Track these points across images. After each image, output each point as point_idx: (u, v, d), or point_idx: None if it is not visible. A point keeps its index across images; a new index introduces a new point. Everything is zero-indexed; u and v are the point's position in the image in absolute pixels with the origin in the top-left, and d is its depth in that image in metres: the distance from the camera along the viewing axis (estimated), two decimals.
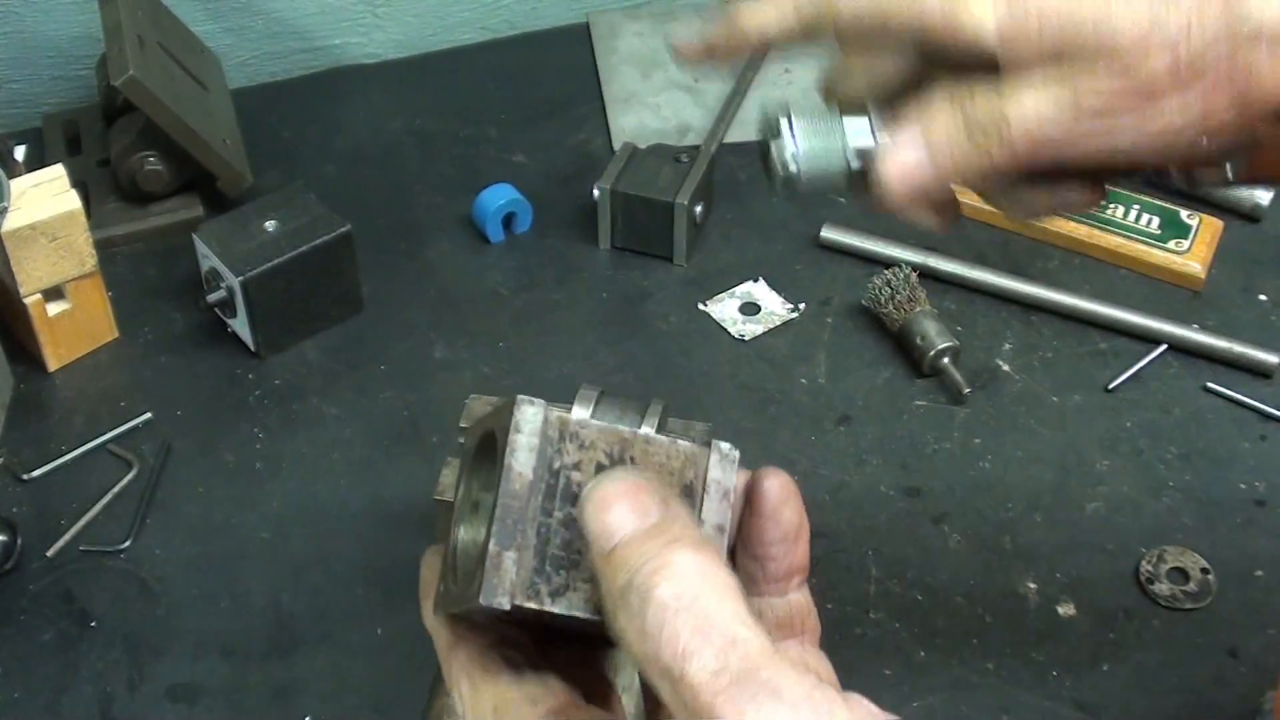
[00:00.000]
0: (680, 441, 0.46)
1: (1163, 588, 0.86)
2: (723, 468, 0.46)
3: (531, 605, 0.43)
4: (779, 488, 0.47)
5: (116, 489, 0.94)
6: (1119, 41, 0.50)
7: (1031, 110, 0.52)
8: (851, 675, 0.83)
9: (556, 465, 0.44)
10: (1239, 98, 0.50)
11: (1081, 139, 0.52)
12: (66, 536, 0.91)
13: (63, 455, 0.96)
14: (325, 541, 0.91)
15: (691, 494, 0.46)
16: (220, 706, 0.82)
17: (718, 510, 0.46)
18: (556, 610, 0.43)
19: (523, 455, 0.44)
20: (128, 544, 0.90)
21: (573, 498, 0.44)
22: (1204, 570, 0.87)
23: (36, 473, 0.95)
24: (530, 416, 0.45)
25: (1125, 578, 0.87)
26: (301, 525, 0.92)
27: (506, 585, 0.43)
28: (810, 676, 0.40)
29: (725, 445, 0.47)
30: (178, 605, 0.87)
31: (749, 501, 0.48)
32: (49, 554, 0.90)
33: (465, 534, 0.48)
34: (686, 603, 0.39)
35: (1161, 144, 0.51)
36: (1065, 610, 0.86)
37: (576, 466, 0.45)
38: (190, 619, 0.87)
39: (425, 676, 0.81)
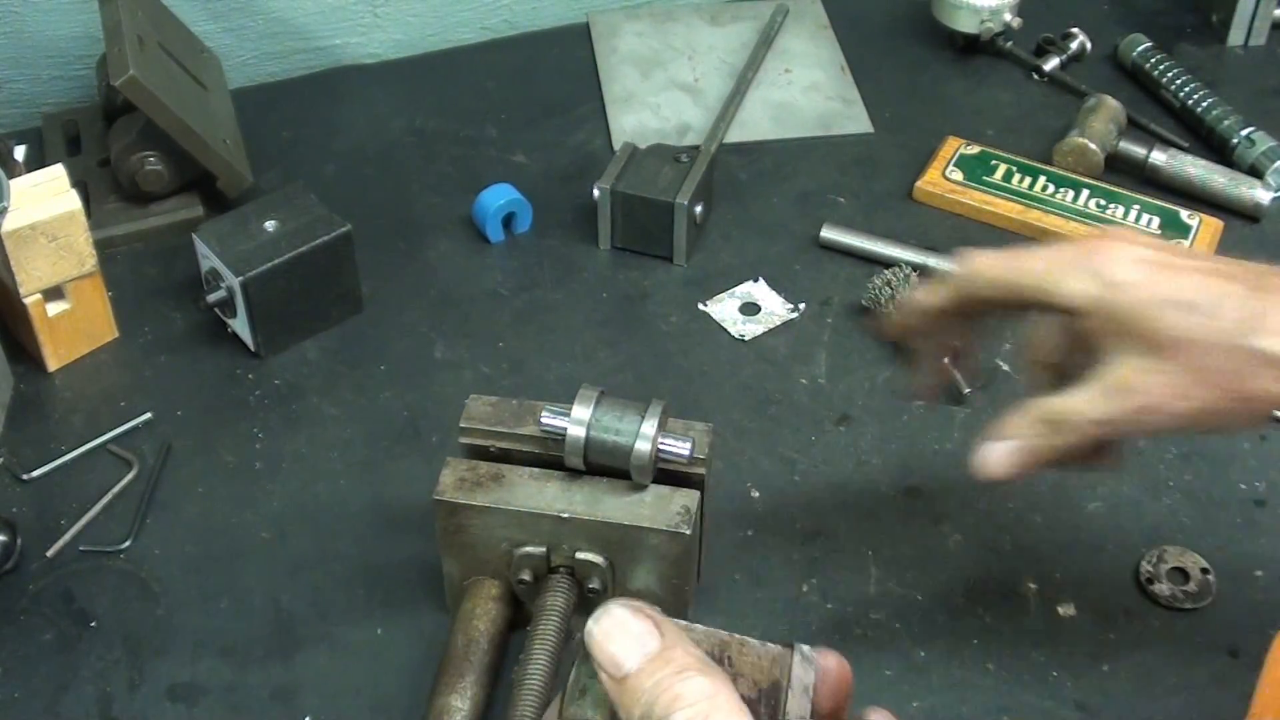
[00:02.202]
0: (769, 645, 0.53)
1: (1163, 588, 0.86)
2: (804, 666, 0.53)
3: None
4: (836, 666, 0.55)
5: (116, 489, 0.94)
6: (1165, 336, 0.65)
7: (1087, 405, 0.68)
8: (852, 675, 0.84)
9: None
10: (1249, 401, 0.66)
11: (1130, 421, 0.67)
12: (66, 536, 0.91)
13: (63, 455, 0.96)
14: (325, 541, 0.91)
15: (778, 690, 0.52)
16: (220, 706, 0.82)
17: (799, 704, 0.52)
18: None
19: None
20: (128, 544, 0.91)
21: None
22: (1204, 570, 0.87)
23: (36, 473, 0.95)
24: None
25: (1125, 578, 0.87)
26: (301, 525, 0.92)
27: None
28: None
29: (806, 648, 0.54)
30: (178, 605, 0.87)
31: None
32: (49, 554, 0.90)
33: (573, 711, 0.53)
34: None
35: (1188, 422, 0.66)
36: (1065, 610, 0.86)
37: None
38: (190, 619, 0.87)
39: (425, 676, 0.81)
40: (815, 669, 0.53)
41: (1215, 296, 0.65)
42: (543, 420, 0.77)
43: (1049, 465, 0.71)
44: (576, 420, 0.77)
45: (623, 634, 0.48)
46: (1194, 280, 0.66)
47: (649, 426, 0.77)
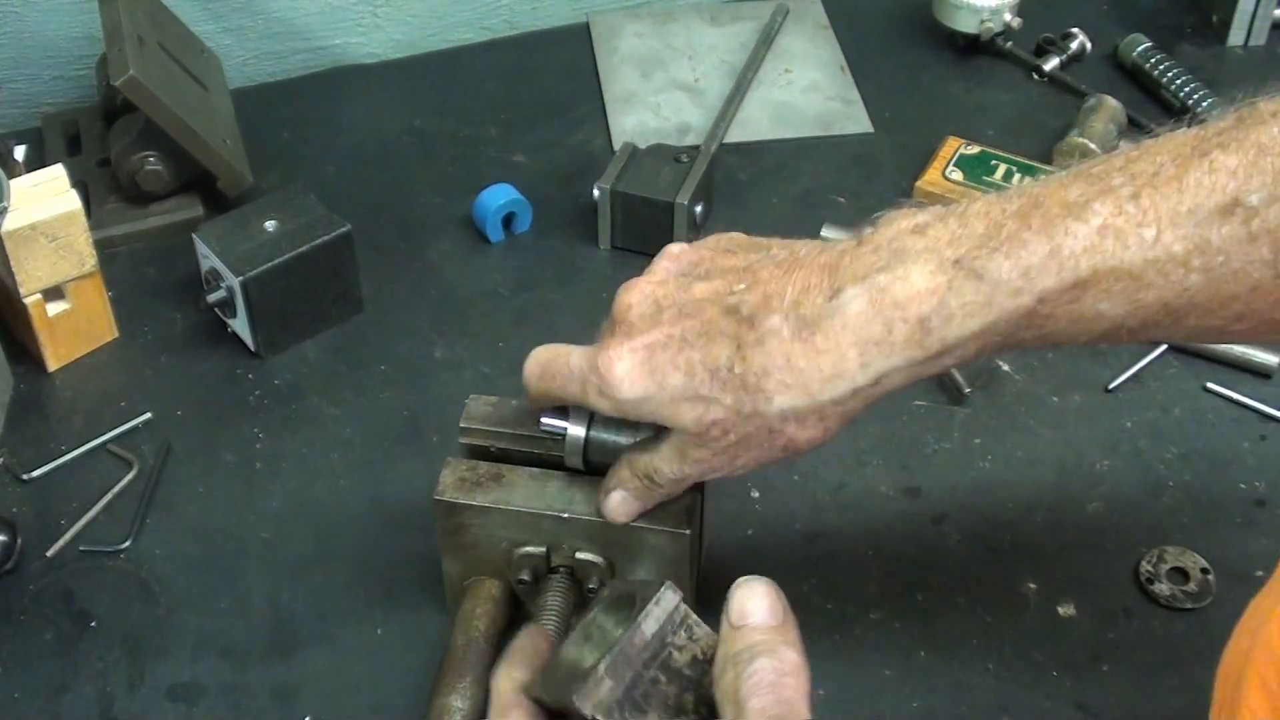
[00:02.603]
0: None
1: (1163, 588, 0.86)
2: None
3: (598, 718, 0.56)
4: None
5: (116, 489, 0.94)
6: (690, 429, 0.70)
7: (666, 465, 0.73)
8: (852, 675, 0.84)
9: (668, 640, 0.58)
10: (788, 446, 0.69)
11: (706, 474, 0.73)
12: (66, 536, 0.91)
13: (63, 455, 0.96)
14: (325, 541, 0.91)
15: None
16: (220, 706, 0.82)
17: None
18: None
19: (651, 624, 0.58)
20: (128, 544, 0.91)
21: (667, 668, 0.58)
22: (1204, 570, 0.87)
23: (36, 473, 0.95)
24: (669, 599, 0.59)
25: (1125, 578, 0.87)
26: (301, 525, 0.92)
27: (595, 700, 0.56)
28: None
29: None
30: (178, 605, 0.87)
31: None
32: (49, 554, 0.90)
33: (573, 650, 0.60)
34: (781, 682, 0.55)
35: (756, 466, 0.71)
36: (1065, 610, 0.86)
37: (680, 649, 0.59)
38: (190, 619, 0.87)
39: (425, 676, 0.81)
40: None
41: (701, 378, 0.68)
42: (543, 421, 0.77)
43: (663, 500, 0.76)
44: (576, 421, 0.77)
45: (761, 598, 0.58)
46: (679, 371, 0.69)
47: (648, 427, 0.76)
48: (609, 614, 0.61)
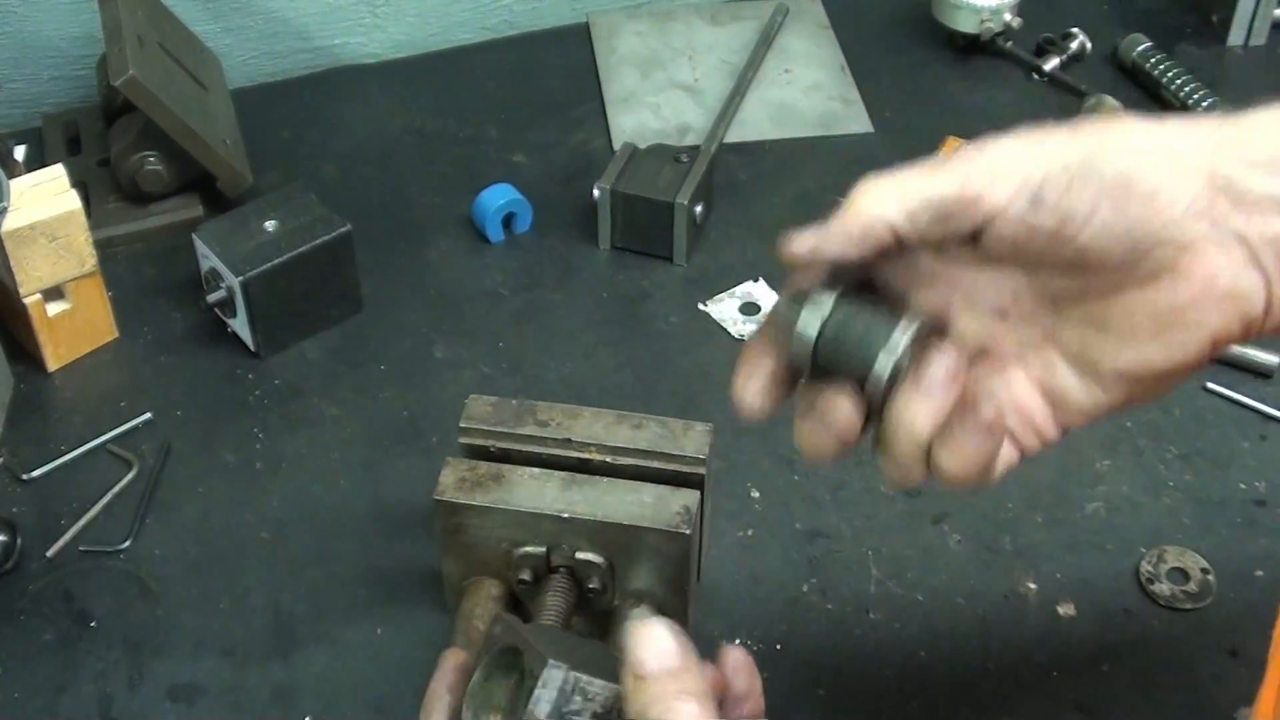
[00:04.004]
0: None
1: (1163, 588, 0.86)
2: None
3: None
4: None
5: (116, 489, 0.94)
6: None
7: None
8: (852, 675, 0.84)
9: (564, 713, 0.60)
10: None
11: None
12: (66, 536, 0.91)
13: (63, 455, 0.96)
14: (325, 541, 0.91)
15: None
16: (220, 706, 0.82)
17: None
18: None
19: (545, 706, 0.60)
20: (128, 544, 0.90)
21: None
22: (1204, 570, 0.87)
23: (36, 473, 0.95)
24: (554, 677, 0.60)
25: (1125, 578, 0.87)
26: (301, 525, 0.92)
27: None
28: None
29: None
30: (178, 605, 0.87)
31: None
32: (49, 554, 0.90)
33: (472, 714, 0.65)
34: None
35: None
36: (1065, 610, 0.86)
37: (579, 713, 0.61)
38: (190, 619, 0.87)
39: (425, 676, 0.81)
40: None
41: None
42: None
43: None
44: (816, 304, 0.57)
45: (655, 644, 0.56)
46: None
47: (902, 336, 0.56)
48: (498, 678, 0.65)
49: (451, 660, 0.68)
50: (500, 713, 0.64)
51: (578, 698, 0.61)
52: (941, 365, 0.55)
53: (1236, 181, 0.53)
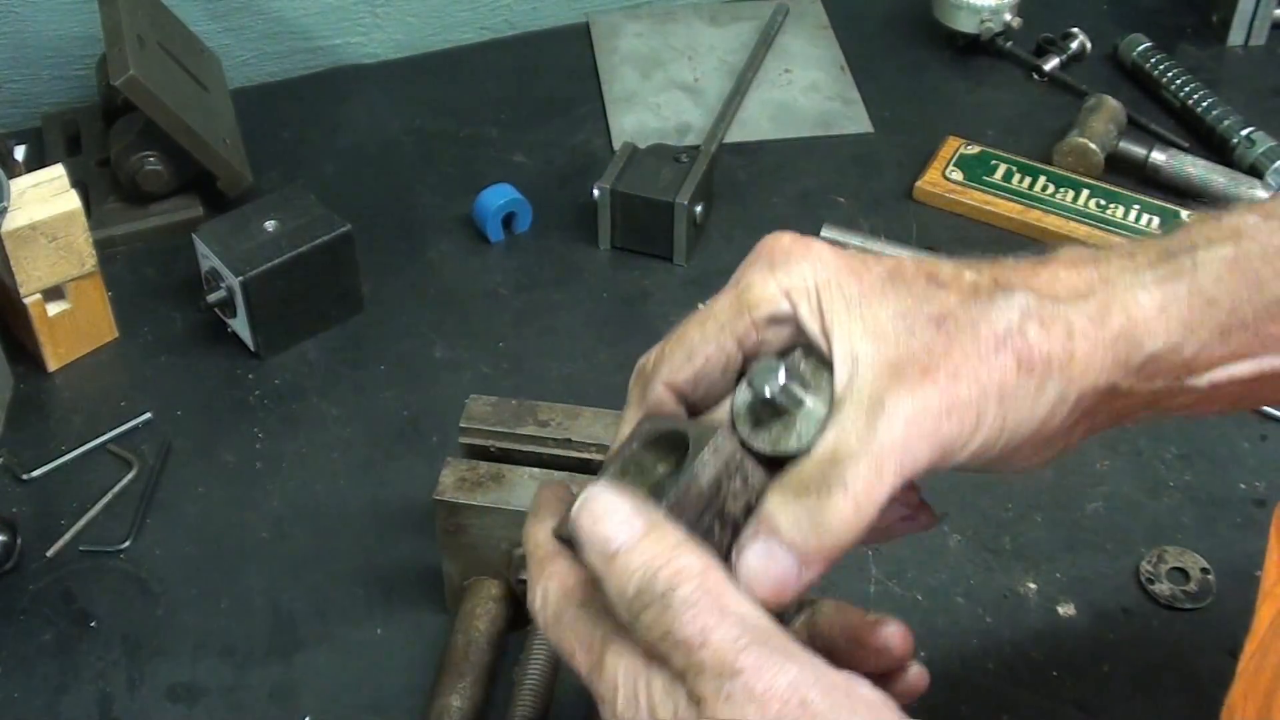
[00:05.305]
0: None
1: (1163, 588, 0.86)
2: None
3: None
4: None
5: (116, 489, 0.94)
6: None
7: None
8: None
9: (723, 488, 0.52)
10: None
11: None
12: (66, 536, 0.91)
13: (63, 455, 0.96)
14: (325, 541, 0.91)
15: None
16: (220, 706, 0.82)
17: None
18: None
19: (709, 472, 0.52)
20: (128, 544, 0.90)
21: (722, 516, 0.52)
22: (1204, 570, 0.87)
23: (36, 473, 0.95)
24: (726, 447, 0.52)
25: (1125, 578, 0.87)
26: (301, 525, 0.92)
27: None
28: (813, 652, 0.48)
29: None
30: (178, 605, 0.87)
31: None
32: (49, 554, 0.90)
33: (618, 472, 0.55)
34: (704, 594, 0.47)
35: None
36: (1065, 610, 0.86)
37: (735, 496, 0.53)
38: (190, 619, 0.87)
39: (425, 676, 0.81)
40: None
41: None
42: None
43: None
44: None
45: (610, 515, 0.49)
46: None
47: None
48: (649, 451, 0.55)
49: (554, 484, 0.59)
50: (649, 481, 0.54)
51: (738, 478, 0.53)
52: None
53: (1120, 387, 0.54)
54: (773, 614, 0.50)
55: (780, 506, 0.51)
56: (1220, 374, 0.55)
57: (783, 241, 0.58)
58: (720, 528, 0.52)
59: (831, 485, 0.50)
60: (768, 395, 0.53)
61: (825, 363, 0.53)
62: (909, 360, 0.51)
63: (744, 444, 0.53)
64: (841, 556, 0.51)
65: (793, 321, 0.55)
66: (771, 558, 0.51)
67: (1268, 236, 0.54)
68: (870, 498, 0.50)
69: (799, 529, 0.50)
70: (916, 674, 0.60)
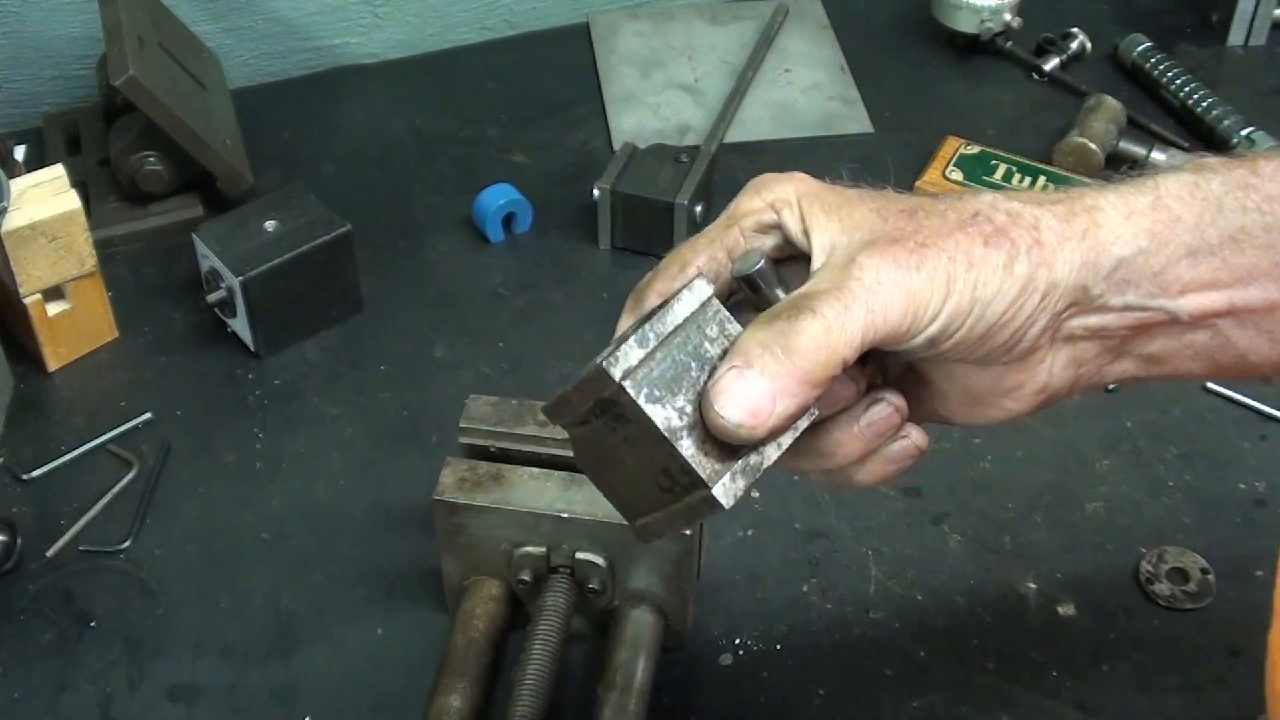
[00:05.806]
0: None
1: (1163, 588, 0.86)
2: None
3: (626, 385, 0.54)
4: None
5: (116, 489, 0.94)
6: None
7: None
8: (852, 675, 0.84)
9: (702, 329, 0.56)
10: None
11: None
12: (66, 536, 0.91)
13: (63, 455, 0.96)
14: (325, 541, 0.91)
15: None
16: (220, 706, 0.82)
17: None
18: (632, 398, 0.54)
19: (682, 308, 0.55)
20: (128, 544, 0.90)
21: (699, 357, 0.55)
22: (1204, 570, 0.87)
23: (36, 473, 0.95)
24: (701, 289, 0.56)
25: (1125, 578, 0.87)
26: (301, 525, 0.92)
27: (624, 366, 0.54)
28: None
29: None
30: (178, 605, 0.87)
31: None
32: (49, 554, 0.90)
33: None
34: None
35: None
36: (1065, 610, 0.86)
37: (713, 341, 0.56)
38: (190, 619, 0.87)
39: (425, 676, 0.81)
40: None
41: None
42: None
43: None
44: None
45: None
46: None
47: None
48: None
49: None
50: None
51: (714, 325, 0.56)
52: (882, 414, 0.60)
53: (1091, 291, 0.57)
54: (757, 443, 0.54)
55: (751, 333, 0.54)
56: (1194, 301, 0.57)
57: (767, 174, 0.62)
58: (698, 368, 0.54)
59: (800, 310, 0.53)
60: (748, 274, 0.57)
61: (806, 271, 0.57)
62: (881, 236, 0.56)
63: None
64: (820, 394, 0.54)
65: (778, 230, 0.60)
66: (743, 379, 0.53)
67: (1227, 170, 0.57)
68: (841, 326, 0.53)
69: (769, 351, 0.53)
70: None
